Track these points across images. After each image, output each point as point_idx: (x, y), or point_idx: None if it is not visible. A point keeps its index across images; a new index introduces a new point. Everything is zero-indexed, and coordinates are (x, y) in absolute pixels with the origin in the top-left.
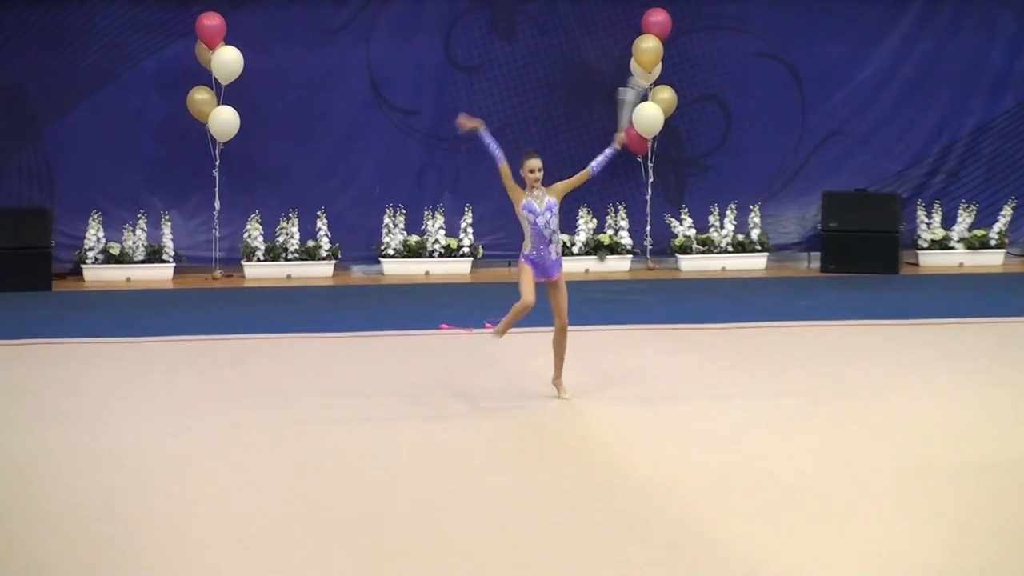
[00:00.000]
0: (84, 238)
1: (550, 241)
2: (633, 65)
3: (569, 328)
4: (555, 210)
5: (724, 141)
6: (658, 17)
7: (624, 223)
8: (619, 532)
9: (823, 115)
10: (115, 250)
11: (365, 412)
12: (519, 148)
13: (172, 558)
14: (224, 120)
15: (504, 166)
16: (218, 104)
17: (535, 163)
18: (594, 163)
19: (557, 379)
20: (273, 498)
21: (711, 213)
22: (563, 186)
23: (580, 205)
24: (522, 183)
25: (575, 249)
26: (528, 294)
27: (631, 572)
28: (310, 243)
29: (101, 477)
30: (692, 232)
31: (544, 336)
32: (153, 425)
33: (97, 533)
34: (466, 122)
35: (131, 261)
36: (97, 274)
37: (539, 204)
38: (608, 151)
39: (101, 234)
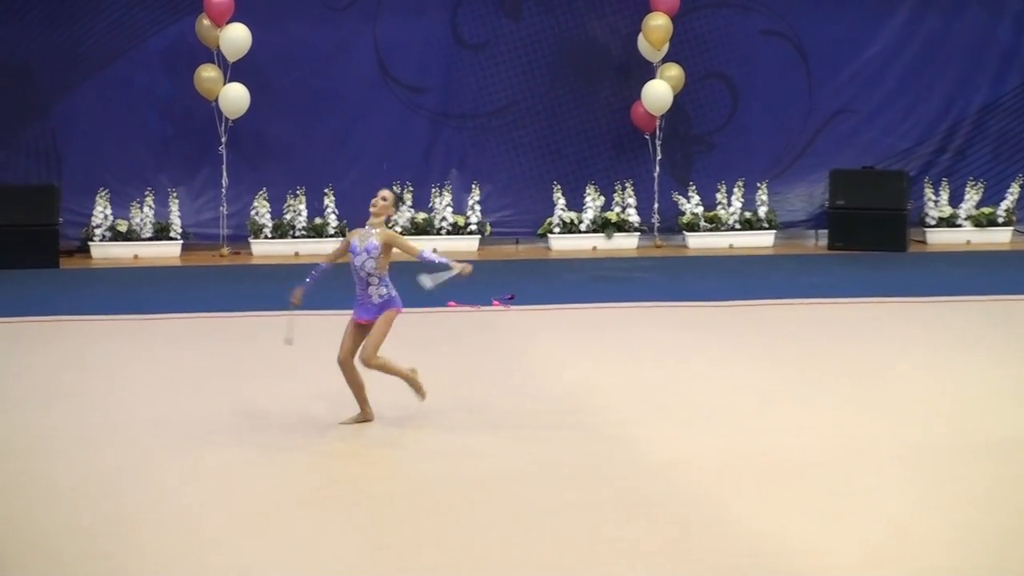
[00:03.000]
0: (91, 215)
1: (367, 284)
2: (641, 42)
3: (577, 307)
4: (374, 254)
5: (731, 119)
6: None
7: (631, 201)
8: (627, 510)
9: (830, 93)
10: (122, 227)
11: (371, 389)
12: (527, 125)
13: (179, 533)
14: (234, 97)
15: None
16: (225, 82)
17: (383, 191)
18: (428, 255)
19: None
20: (281, 473)
21: (718, 191)
22: (395, 239)
23: (588, 182)
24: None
25: (583, 227)
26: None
27: (641, 550)
28: (317, 220)
29: (108, 453)
30: (699, 210)
31: (550, 314)
32: (160, 401)
33: (105, 508)
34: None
35: (138, 238)
36: (104, 251)
37: (361, 242)
38: (445, 262)
39: (108, 211)
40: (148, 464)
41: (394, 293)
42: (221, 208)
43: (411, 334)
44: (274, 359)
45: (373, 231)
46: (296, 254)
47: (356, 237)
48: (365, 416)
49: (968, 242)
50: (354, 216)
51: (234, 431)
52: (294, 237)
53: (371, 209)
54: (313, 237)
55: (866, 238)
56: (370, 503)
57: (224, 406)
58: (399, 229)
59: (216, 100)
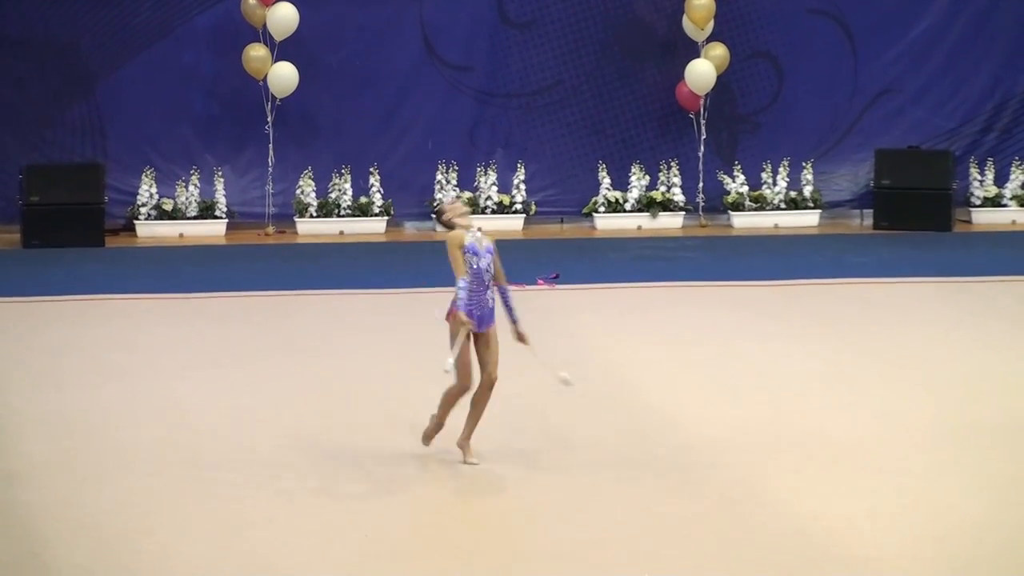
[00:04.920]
0: (137, 194)
1: (486, 287)
2: (685, 21)
3: (622, 286)
4: (493, 254)
5: (776, 98)
6: None
7: (677, 180)
8: (671, 487)
9: (875, 72)
10: (168, 206)
11: (420, 367)
12: (572, 104)
13: (222, 512)
14: (283, 76)
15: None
16: (273, 61)
17: (464, 207)
18: (506, 292)
19: (465, 440)
20: (323, 452)
21: (763, 170)
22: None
23: (633, 162)
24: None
25: (627, 206)
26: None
27: (685, 527)
28: (363, 199)
29: (154, 431)
30: (744, 189)
31: (594, 293)
32: (206, 380)
33: (150, 485)
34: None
35: (183, 217)
36: (150, 230)
37: (480, 245)
38: (512, 307)
39: (154, 190)
40: (193, 443)
41: None
42: (267, 187)
43: None
44: (319, 338)
45: (473, 233)
46: (341, 233)
47: (468, 241)
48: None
49: (1013, 222)
50: (400, 195)
51: (279, 409)
52: (339, 216)
53: (460, 221)
54: (358, 216)
55: (911, 218)
56: (413, 486)
57: (268, 384)
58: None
59: (264, 79)
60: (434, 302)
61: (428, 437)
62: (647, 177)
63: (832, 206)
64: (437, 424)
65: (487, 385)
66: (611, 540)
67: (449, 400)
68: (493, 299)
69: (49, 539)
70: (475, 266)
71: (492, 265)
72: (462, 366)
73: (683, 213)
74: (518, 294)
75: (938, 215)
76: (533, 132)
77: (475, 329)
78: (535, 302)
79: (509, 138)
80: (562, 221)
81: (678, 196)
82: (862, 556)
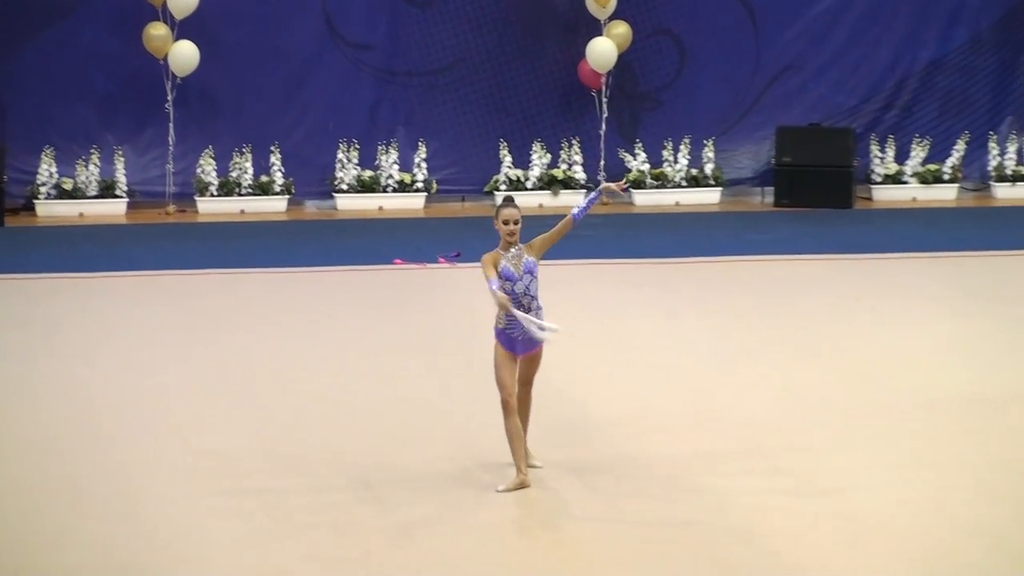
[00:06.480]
0: (36, 173)
1: (528, 309)
2: (588, 1)
3: None
4: (536, 272)
5: (678, 76)
6: None
7: (578, 158)
8: (574, 469)
9: (777, 49)
10: (68, 185)
11: (321, 346)
12: (473, 82)
13: (126, 489)
14: (184, 55)
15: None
16: (174, 39)
17: (511, 213)
18: (576, 210)
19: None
20: (232, 430)
21: (665, 148)
22: (542, 242)
23: (534, 140)
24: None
25: (529, 184)
26: (507, 386)
27: (584, 508)
28: (264, 178)
29: (57, 411)
30: (646, 167)
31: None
32: (110, 359)
33: (52, 465)
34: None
35: (84, 196)
36: (50, 209)
37: (516, 268)
38: (592, 195)
39: (54, 169)
40: (95, 422)
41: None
42: (167, 166)
43: (355, 294)
44: (222, 317)
45: (522, 254)
46: (242, 212)
47: (503, 263)
48: (522, 481)
49: (914, 199)
50: (301, 174)
51: (185, 388)
52: (240, 195)
53: (509, 238)
54: (259, 195)
55: (812, 195)
56: (323, 459)
57: (174, 363)
58: (345, 187)
59: (165, 58)
60: (339, 280)
61: (517, 487)
62: (548, 155)
63: (733, 184)
64: (519, 476)
65: (523, 382)
66: (511, 520)
67: (512, 432)
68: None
69: None
70: (510, 290)
71: (531, 287)
72: (501, 381)
73: (584, 191)
74: (420, 273)
75: (839, 192)
76: (434, 110)
77: (516, 353)
78: (437, 280)
79: (410, 116)
80: (463, 199)
81: (579, 174)
82: (762, 530)
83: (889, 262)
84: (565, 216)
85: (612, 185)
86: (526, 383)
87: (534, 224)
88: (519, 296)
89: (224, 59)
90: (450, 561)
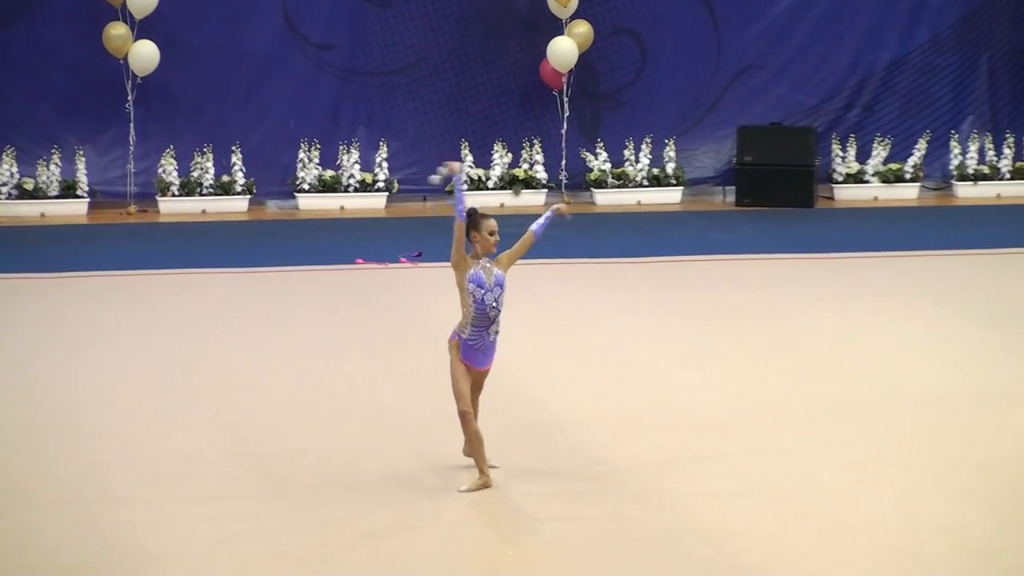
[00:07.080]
0: None
1: (492, 322)
2: (549, 0)
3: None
4: (504, 286)
5: (640, 75)
6: None
7: (539, 157)
8: (536, 471)
9: (738, 49)
10: (29, 185)
11: (282, 347)
12: (434, 82)
13: (89, 491)
14: (144, 54)
15: (461, 224)
16: (134, 39)
17: (495, 224)
18: (536, 226)
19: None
20: (190, 432)
21: (626, 147)
22: (508, 257)
23: (495, 139)
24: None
25: (490, 184)
26: (464, 397)
27: (544, 508)
28: (225, 178)
29: (18, 412)
30: (607, 166)
31: None
32: (69, 360)
33: (14, 466)
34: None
35: (45, 196)
36: (10, 209)
37: (487, 277)
38: (548, 214)
39: (15, 169)
40: (59, 422)
41: None
42: (128, 166)
43: (317, 293)
44: (183, 317)
45: (485, 264)
46: (203, 211)
47: (474, 269)
48: (485, 482)
49: (875, 198)
50: (262, 174)
51: (145, 389)
52: (201, 195)
53: (488, 249)
54: (220, 195)
55: (774, 194)
56: (283, 461)
57: (134, 364)
58: (306, 187)
59: (125, 57)
60: (300, 280)
61: (480, 488)
62: (510, 155)
63: (694, 183)
64: (482, 476)
65: (475, 388)
66: (470, 519)
67: (472, 442)
68: (496, 336)
69: None
70: (479, 299)
71: (500, 301)
72: (459, 392)
73: (545, 191)
74: (382, 272)
75: (800, 192)
76: (395, 110)
77: (475, 366)
78: (398, 280)
79: (371, 116)
80: (425, 199)
81: (541, 174)
82: (725, 531)
83: (851, 261)
84: (525, 232)
85: (562, 207)
86: (477, 389)
87: (496, 221)
88: (487, 306)
89: (185, 59)
90: (414, 560)
